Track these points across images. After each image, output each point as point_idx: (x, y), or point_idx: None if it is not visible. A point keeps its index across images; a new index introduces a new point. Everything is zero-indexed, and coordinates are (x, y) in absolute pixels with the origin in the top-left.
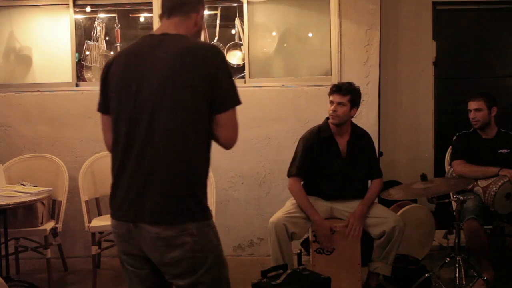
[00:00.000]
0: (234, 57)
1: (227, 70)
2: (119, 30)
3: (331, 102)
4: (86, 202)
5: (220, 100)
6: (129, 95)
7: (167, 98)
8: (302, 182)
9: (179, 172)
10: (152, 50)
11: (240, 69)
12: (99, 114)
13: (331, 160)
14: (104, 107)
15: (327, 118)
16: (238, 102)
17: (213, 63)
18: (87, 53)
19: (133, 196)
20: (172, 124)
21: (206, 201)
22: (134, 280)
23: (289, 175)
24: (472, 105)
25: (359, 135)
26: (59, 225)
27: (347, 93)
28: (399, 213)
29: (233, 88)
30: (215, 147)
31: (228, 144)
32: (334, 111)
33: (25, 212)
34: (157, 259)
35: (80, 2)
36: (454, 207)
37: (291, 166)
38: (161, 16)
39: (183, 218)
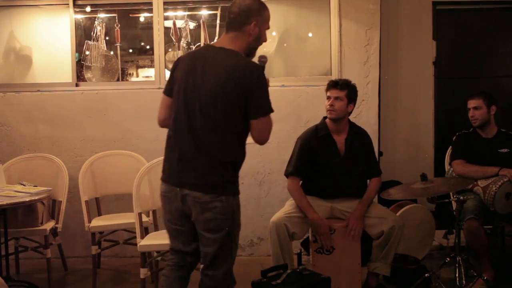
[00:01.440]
0: None
1: (262, 86)
2: (119, 30)
3: (328, 98)
4: (86, 202)
5: (253, 109)
6: (189, 92)
7: (213, 101)
8: (300, 182)
9: (217, 158)
10: (210, 61)
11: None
12: (99, 114)
13: (329, 158)
14: (168, 91)
15: (325, 117)
16: (268, 112)
17: (250, 79)
18: (87, 53)
19: (181, 168)
20: (214, 122)
21: (236, 180)
22: (173, 234)
23: (286, 174)
24: (471, 103)
25: (357, 133)
26: (59, 225)
27: (344, 88)
28: (399, 213)
29: (265, 101)
30: None
31: (258, 142)
32: (331, 105)
33: (25, 212)
34: (194, 216)
35: (80, 2)
36: (454, 207)
37: (288, 165)
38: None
39: (217, 190)
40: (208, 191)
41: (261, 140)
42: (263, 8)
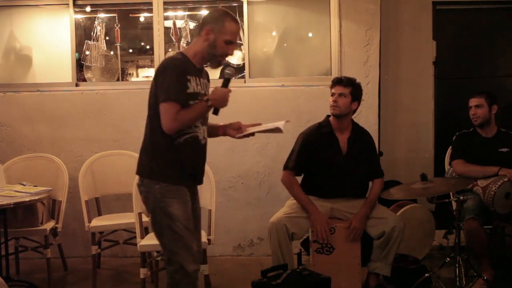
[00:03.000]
0: (234, 57)
1: (164, 74)
2: (119, 30)
3: (332, 94)
4: (86, 202)
5: (158, 94)
6: None
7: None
8: (296, 177)
9: (146, 146)
10: None
11: (240, 69)
12: (99, 114)
13: (331, 156)
14: None
15: (328, 116)
16: (165, 99)
17: (158, 69)
18: (87, 53)
19: None
20: (147, 113)
21: (163, 170)
22: None
23: (284, 168)
24: (473, 101)
25: (360, 133)
26: (59, 225)
27: (348, 85)
28: (399, 213)
29: (164, 88)
30: (215, 149)
31: (164, 129)
32: (335, 101)
33: (25, 212)
34: None
35: (80, 2)
36: (454, 207)
37: (288, 160)
38: None
39: (140, 173)
40: (138, 173)
41: (163, 126)
42: (225, 19)
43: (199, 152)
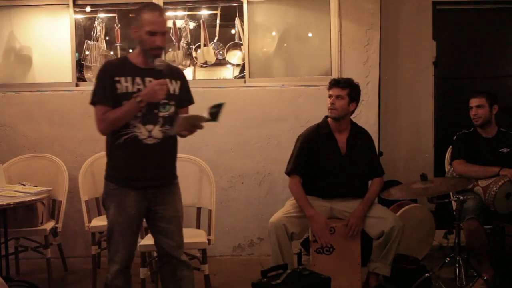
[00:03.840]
0: (234, 57)
1: (95, 78)
2: (119, 30)
3: (330, 96)
4: (86, 202)
5: None
6: None
7: None
8: (301, 180)
9: None
10: None
11: (240, 69)
12: None
13: (330, 156)
14: None
15: (326, 117)
16: (92, 102)
17: None
18: (87, 53)
19: None
20: None
21: (111, 171)
22: None
23: (287, 172)
24: (474, 102)
25: (358, 133)
26: (59, 225)
27: (346, 86)
28: (399, 213)
29: (92, 91)
30: (215, 149)
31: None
32: (332, 103)
33: (25, 212)
34: None
35: (80, 2)
36: (454, 207)
37: (288, 163)
38: None
39: None
40: None
41: (97, 128)
42: (142, 11)
43: (141, 153)
